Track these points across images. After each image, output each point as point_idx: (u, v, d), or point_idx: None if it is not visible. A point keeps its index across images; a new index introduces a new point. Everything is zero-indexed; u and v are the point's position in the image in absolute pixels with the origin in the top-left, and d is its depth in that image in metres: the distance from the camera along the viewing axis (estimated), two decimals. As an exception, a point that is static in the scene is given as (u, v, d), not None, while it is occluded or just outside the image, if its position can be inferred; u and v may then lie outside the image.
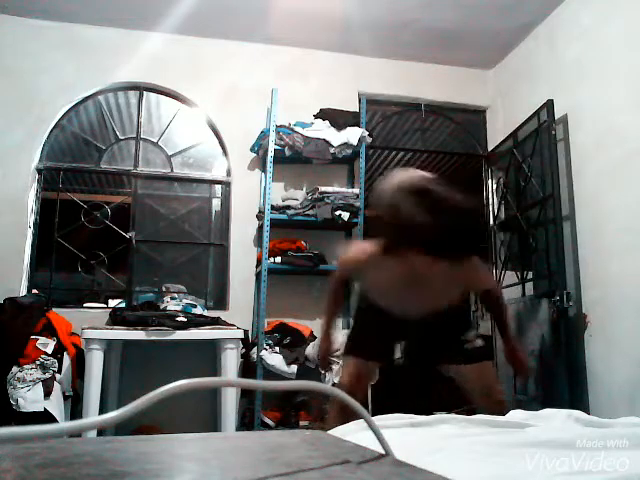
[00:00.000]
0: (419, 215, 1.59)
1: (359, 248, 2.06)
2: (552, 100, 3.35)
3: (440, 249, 1.66)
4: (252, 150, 3.83)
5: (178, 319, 3.04)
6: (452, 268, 1.77)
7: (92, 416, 2.57)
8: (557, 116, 3.35)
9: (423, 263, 1.74)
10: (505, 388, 3.60)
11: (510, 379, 3.48)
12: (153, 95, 3.95)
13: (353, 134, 3.67)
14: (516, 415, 1.36)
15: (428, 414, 1.32)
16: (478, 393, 2.03)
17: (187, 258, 3.99)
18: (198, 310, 3.34)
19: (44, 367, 2.86)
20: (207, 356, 3.33)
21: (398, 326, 2.04)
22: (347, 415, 1.93)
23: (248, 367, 3.43)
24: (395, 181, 1.74)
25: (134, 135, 3.89)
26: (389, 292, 1.95)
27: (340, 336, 3.47)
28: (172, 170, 3.90)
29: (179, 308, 3.27)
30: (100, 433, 2.46)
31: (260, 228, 3.65)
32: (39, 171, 3.68)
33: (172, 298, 3.42)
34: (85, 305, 3.91)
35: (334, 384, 3.19)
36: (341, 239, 3.93)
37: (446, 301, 1.96)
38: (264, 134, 3.67)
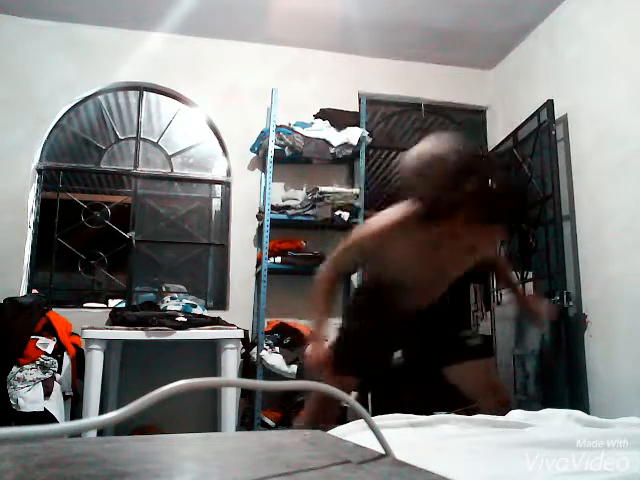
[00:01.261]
0: (467, 179, 1.60)
1: (383, 218, 1.81)
2: (552, 100, 3.35)
3: (488, 215, 1.66)
4: (252, 150, 3.83)
5: (178, 319, 3.04)
6: (477, 235, 1.75)
7: (92, 416, 2.57)
8: (557, 116, 3.35)
9: (457, 227, 1.69)
10: (505, 387, 3.60)
11: (510, 378, 3.48)
12: (153, 95, 3.95)
13: (353, 134, 3.67)
14: (516, 415, 1.36)
15: (428, 414, 1.32)
16: (482, 391, 1.93)
17: (187, 258, 3.99)
18: (198, 310, 3.34)
19: (44, 367, 2.86)
20: (207, 356, 3.33)
21: (396, 325, 1.94)
22: (325, 413, 1.87)
23: (248, 367, 3.43)
24: (441, 146, 1.71)
25: (134, 135, 3.89)
26: (410, 259, 1.82)
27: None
28: (172, 170, 3.90)
29: (179, 308, 3.27)
30: (100, 433, 2.46)
31: (260, 228, 3.65)
32: (39, 171, 3.68)
33: (172, 298, 3.42)
34: (85, 305, 3.91)
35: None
36: (341, 239, 3.93)
37: (460, 270, 1.91)
38: (264, 134, 3.67)
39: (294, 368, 3.28)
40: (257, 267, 3.69)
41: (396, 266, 1.87)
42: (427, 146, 1.72)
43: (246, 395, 3.44)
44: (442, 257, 1.80)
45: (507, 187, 1.68)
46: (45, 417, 2.72)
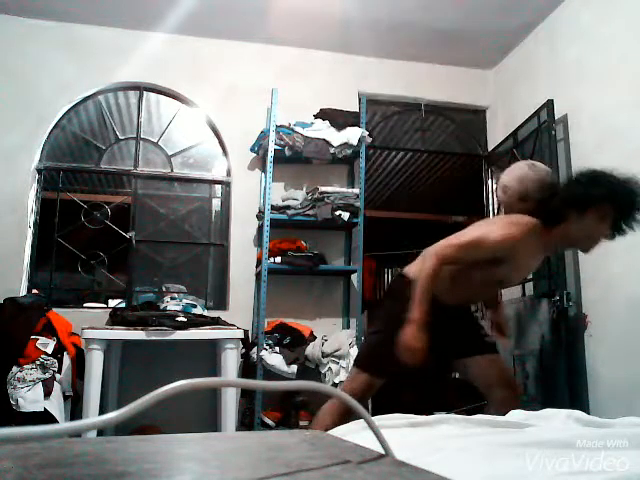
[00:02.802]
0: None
1: (520, 222, 1.97)
2: (552, 100, 3.35)
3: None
4: (252, 150, 3.83)
5: (178, 319, 3.04)
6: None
7: (92, 416, 2.58)
8: (557, 116, 3.35)
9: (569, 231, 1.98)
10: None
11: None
12: (153, 95, 3.95)
13: (353, 134, 3.67)
14: (516, 415, 1.36)
15: (428, 414, 1.32)
16: (498, 384, 2.06)
17: (187, 258, 3.99)
18: (198, 310, 3.34)
19: (44, 367, 2.86)
20: (207, 356, 3.33)
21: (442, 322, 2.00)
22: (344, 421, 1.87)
23: (248, 367, 3.43)
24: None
25: (134, 135, 3.89)
26: (529, 261, 2.05)
27: (343, 336, 3.48)
28: (172, 170, 3.90)
29: (179, 308, 3.27)
30: (100, 433, 2.46)
31: (260, 228, 3.65)
32: (39, 171, 3.68)
33: (172, 298, 3.42)
34: (85, 305, 3.91)
35: (334, 384, 3.19)
36: (341, 239, 3.93)
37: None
38: (264, 134, 3.67)
39: (294, 368, 3.28)
40: (257, 267, 3.69)
41: (514, 267, 2.03)
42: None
43: (246, 395, 3.44)
44: (538, 258, 2.10)
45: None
46: (45, 417, 2.71)
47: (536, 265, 2.17)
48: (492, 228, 1.98)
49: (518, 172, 2.15)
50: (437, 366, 2.26)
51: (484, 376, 2.09)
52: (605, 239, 2.02)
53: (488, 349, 2.15)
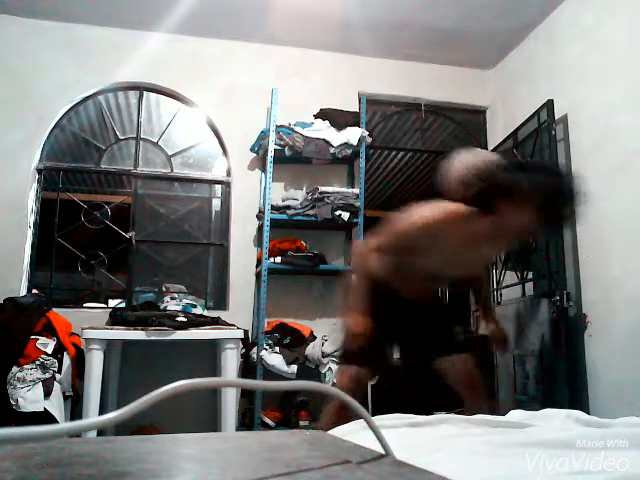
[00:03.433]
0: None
1: (446, 208, 1.87)
2: (552, 100, 3.35)
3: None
4: (252, 150, 3.82)
5: (178, 319, 3.04)
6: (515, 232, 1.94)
7: (92, 416, 2.58)
8: (557, 116, 3.35)
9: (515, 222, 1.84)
10: (505, 387, 3.60)
11: (510, 378, 3.48)
12: (153, 95, 3.95)
13: (353, 134, 3.67)
14: (516, 415, 1.36)
15: (428, 414, 1.32)
16: (464, 383, 2.08)
17: (187, 258, 3.99)
18: (198, 310, 3.34)
19: (44, 367, 2.86)
20: (207, 356, 3.33)
21: (403, 322, 2.04)
22: (345, 416, 1.91)
23: (248, 367, 3.43)
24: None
25: (134, 135, 3.89)
26: (459, 250, 1.92)
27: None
28: (172, 170, 3.90)
29: (179, 308, 3.27)
30: (100, 433, 2.46)
31: (260, 228, 3.65)
32: (39, 171, 3.68)
33: (172, 298, 3.42)
34: (85, 305, 3.91)
35: (334, 384, 3.19)
36: (341, 239, 3.93)
37: (481, 268, 2.22)
38: (264, 134, 3.67)
39: (294, 368, 3.28)
40: (257, 267, 3.69)
41: (441, 256, 1.95)
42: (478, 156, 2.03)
43: (246, 395, 3.44)
44: (480, 251, 1.98)
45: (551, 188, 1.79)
46: (45, 417, 2.71)
47: (487, 258, 2.10)
48: (415, 216, 1.90)
49: (459, 158, 2.07)
50: (419, 364, 2.29)
51: (453, 375, 2.10)
52: (540, 231, 1.95)
53: (458, 349, 2.14)
